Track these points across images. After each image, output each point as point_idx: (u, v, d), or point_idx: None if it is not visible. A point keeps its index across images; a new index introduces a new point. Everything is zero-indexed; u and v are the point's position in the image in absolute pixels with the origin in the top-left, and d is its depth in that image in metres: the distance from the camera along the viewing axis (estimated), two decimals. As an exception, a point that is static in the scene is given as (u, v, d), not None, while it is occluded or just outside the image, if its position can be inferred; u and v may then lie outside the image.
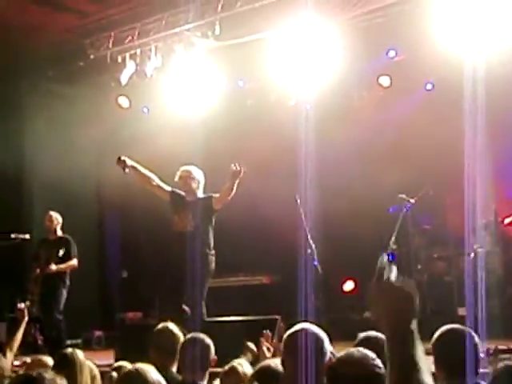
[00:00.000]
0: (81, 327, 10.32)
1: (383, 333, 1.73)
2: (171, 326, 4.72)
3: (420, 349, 1.69)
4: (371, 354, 2.19)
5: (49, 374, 2.64)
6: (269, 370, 3.46)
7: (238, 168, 6.89)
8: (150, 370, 3.25)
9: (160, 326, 4.78)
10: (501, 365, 3.41)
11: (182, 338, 4.60)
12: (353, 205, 9.30)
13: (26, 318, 5.78)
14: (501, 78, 8.07)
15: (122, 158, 7.40)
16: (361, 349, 2.31)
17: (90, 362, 4.36)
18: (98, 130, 11.35)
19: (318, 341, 2.81)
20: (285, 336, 2.97)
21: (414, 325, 1.71)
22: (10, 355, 5.45)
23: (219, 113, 9.86)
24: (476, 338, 3.56)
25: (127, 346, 6.99)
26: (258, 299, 9.59)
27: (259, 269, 10.30)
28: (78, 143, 10.74)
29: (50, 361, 4.59)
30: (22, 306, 5.81)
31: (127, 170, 7.40)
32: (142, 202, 9.78)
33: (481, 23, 7.53)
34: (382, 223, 9.18)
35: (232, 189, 7.01)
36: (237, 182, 6.94)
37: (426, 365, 1.69)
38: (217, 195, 7.28)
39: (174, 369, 4.48)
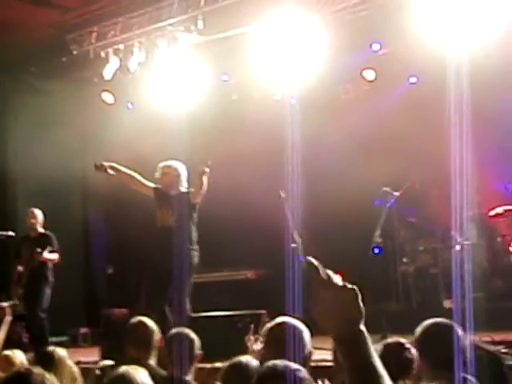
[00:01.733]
0: (66, 324, 10.26)
1: (331, 337, 1.63)
2: (144, 319, 4.75)
3: (373, 350, 1.62)
4: (294, 365, 2.20)
5: (37, 369, 2.62)
6: (240, 366, 3.44)
7: (204, 167, 7.01)
8: (138, 373, 3.16)
9: (132, 320, 4.78)
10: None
11: (156, 331, 4.61)
12: (338, 198, 9.27)
13: (10, 317, 5.72)
14: (485, 70, 8.08)
15: (98, 163, 7.49)
16: (284, 361, 2.29)
17: (69, 361, 4.33)
18: (82, 125, 11.28)
19: (298, 333, 2.81)
20: (264, 329, 2.97)
21: (362, 325, 1.63)
22: (-7, 354, 5.39)
23: (204, 107, 9.83)
24: (460, 331, 3.55)
25: (113, 343, 6.94)
26: (244, 294, 9.57)
27: (244, 264, 10.27)
28: (63, 139, 10.65)
29: (18, 356, 4.56)
30: (4, 304, 5.76)
31: (110, 171, 7.48)
32: (127, 197, 9.73)
33: (465, 16, 7.54)
34: (368, 217, 9.17)
35: (201, 184, 7.15)
36: (205, 178, 7.09)
37: (382, 367, 1.62)
38: (192, 190, 7.37)
39: (152, 361, 4.48)
